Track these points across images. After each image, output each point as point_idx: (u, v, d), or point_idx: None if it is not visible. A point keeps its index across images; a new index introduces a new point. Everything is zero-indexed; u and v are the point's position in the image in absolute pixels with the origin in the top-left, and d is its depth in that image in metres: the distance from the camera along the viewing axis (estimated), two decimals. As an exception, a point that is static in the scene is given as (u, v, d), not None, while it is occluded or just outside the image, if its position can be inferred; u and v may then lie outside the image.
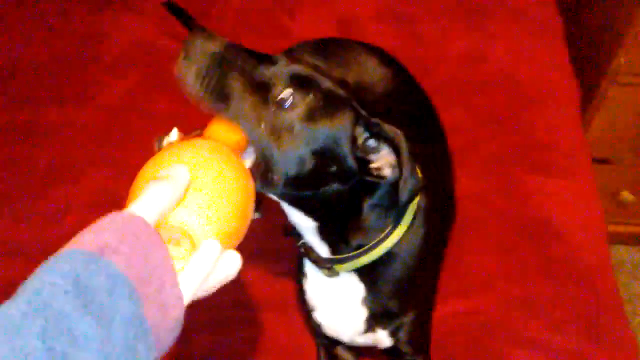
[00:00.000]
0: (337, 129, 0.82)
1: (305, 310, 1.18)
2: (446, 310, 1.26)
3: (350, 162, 0.84)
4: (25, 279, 0.56)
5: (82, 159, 1.55)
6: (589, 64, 1.75)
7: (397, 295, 1.06)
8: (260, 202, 0.97)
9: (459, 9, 1.75)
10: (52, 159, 1.54)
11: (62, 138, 1.58)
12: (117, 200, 0.67)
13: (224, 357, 1.24)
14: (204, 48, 0.78)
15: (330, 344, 1.21)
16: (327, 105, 0.82)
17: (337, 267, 0.99)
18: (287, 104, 0.80)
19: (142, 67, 1.70)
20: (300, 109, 0.80)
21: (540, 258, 1.32)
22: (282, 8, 1.80)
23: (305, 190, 0.85)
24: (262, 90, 0.81)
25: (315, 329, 1.20)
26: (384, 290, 1.05)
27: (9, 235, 1.41)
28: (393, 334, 1.11)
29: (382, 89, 1.29)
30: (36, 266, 0.57)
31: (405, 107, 1.28)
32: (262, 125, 0.79)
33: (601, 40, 1.71)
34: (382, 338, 1.12)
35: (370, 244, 0.95)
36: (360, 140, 0.84)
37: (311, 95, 0.81)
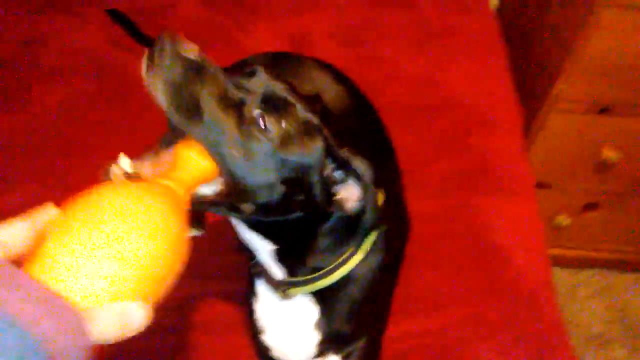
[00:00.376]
0: (309, 158, 0.79)
1: (253, 331, 1.13)
2: (400, 330, 1.24)
3: (317, 191, 0.82)
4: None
5: (13, 169, 1.45)
6: (531, 91, 1.82)
7: (353, 318, 1.04)
8: (203, 216, 0.93)
9: (411, 33, 1.78)
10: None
11: (-9, 146, 1.48)
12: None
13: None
14: (175, 54, 0.71)
15: None
16: (300, 133, 0.78)
17: (292, 290, 0.96)
18: (260, 126, 0.76)
19: (84, 75, 1.63)
20: (274, 134, 0.76)
21: (488, 279, 1.34)
22: (235, 21, 1.77)
23: (269, 217, 0.82)
24: (236, 108, 0.76)
25: (261, 352, 1.15)
26: (339, 314, 1.02)
27: None
28: (344, 359, 1.09)
29: (337, 106, 1.28)
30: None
31: (360, 125, 1.28)
32: (233, 149, 0.75)
33: (542, 67, 1.78)
34: None
35: (329, 268, 0.93)
36: (327, 171, 0.82)
37: (286, 122, 0.77)
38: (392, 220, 1.09)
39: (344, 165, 0.81)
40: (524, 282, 1.34)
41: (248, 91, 0.78)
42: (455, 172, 1.50)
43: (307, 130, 0.79)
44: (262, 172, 0.76)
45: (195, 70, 0.73)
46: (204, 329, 1.24)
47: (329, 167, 0.82)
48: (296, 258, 0.92)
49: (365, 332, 1.08)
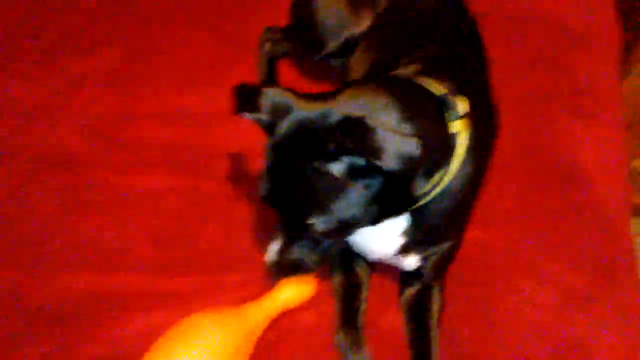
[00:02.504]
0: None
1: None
2: (468, 236, 1.23)
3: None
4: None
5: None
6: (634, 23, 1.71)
7: (440, 227, 1.08)
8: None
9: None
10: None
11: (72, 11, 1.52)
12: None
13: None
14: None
15: (348, 258, 1.19)
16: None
17: None
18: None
19: None
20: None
21: (563, 198, 1.31)
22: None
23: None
24: None
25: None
26: (426, 224, 1.05)
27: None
28: (422, 260, 1.12)
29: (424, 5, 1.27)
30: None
31: (449, 22, 1.26)
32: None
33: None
34: (411, 262, 1.12)
35: (424, 191, 0.98)
36: None
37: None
38: (482, 128, 1.07)
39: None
40: (600, 205, 1.30)
41: None
42: (544, 90, 1.44)
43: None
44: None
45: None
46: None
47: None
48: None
49: (449, 238, 1.12)
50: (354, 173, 0.88)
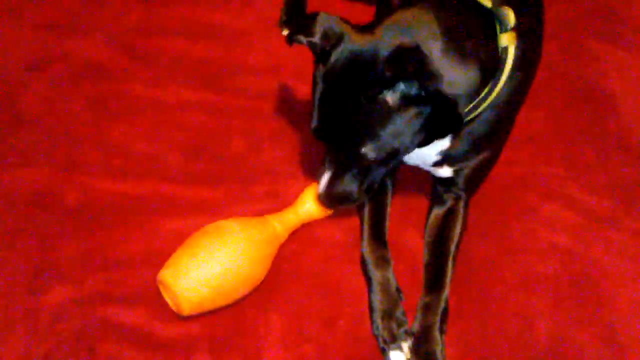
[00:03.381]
0: None
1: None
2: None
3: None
4: None
5: None
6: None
7: (480, 143, 1.09)
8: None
9: None
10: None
11: None
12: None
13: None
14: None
15: None
16: None
17: None
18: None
19: None
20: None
21: (591, 123, 1.31)
22: None
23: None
24: None
25: None
26: (469, 141, 1.07)
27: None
28: (457, 171, 1.13)
29: None
30: None
31: None
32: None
33: None
34: (444, 172, 1.14)
35: (470, 108, 0.99)
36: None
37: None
38: (526, 37, 1.05)
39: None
40: (629, 132, 1.29)
41: None
42: (579, 13, 1.42)
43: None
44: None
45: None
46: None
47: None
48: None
49: (484, 152, 1.12)
50: (407, 101, 0.89)
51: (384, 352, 1.07)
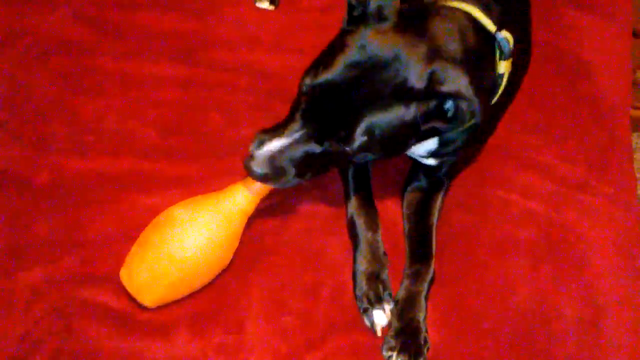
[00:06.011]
0: None
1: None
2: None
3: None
4: None
5: None
6: None
7: (464, 145, 1.09)
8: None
9: None
10: None
11: None
12: None
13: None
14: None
15: None
16: None
17: None
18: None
19: None
20: None
21: (564, 90, 1.32)
22: None
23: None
24: None
25: None
26: (454, 144, 1.07)
27: None
28: (441, 163, 1.15)
29: None
30: None
31: None
32: None
33: None
34: (430, 162, 1.15)
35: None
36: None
37: None
38: (517, 62, 1.06)
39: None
40: (601, 98, 1.31)
41: None
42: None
43: None
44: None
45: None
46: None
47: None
48: None
49: (465, 151, 1.14)
50: (429, 116, 0.90)
51: (365, 312, 1.07)
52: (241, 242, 1.06)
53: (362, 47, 0.89)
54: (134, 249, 1.03)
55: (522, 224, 1.18)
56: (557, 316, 1.09)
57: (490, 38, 0.98)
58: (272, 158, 0.92)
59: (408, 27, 0.91)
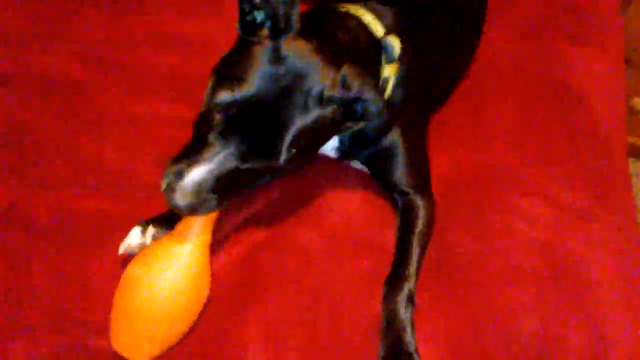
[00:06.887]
0: None
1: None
2: (464, 159, 1.27)
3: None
4: None
5: None
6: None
7: (368, 137, 1.13)
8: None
9: None
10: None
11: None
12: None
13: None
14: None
15: None
16: None
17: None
18: None
19: None
20: None
21: (561, 120, 1.33)
22: None
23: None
24: None
25: None
26: (354, 138, 1.12)
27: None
28: (366, 164, 1.18)
29: None
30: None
31: None
32: None
33: None
34: (361, 167, 1.19)
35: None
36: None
37: None
38: (414, 65, 1.10)
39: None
40: (598, 126, 1.32)
41: None
42: (543, 13, 1.45)
43: None
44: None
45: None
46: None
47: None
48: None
49: (377, 141, 1.15)
50: (342, 117, 0.94)
51: None
52: (236, 277, 1.05)
53: (277, 59, 0.88)
54: (112, 314, 1.02)
55: (526, 251, 1.17)
56: (562, 347, 1.07)
57: (377, 44, 1.03)
58: (198, 186, 0.87)
59: (312, 34, 0.92)
